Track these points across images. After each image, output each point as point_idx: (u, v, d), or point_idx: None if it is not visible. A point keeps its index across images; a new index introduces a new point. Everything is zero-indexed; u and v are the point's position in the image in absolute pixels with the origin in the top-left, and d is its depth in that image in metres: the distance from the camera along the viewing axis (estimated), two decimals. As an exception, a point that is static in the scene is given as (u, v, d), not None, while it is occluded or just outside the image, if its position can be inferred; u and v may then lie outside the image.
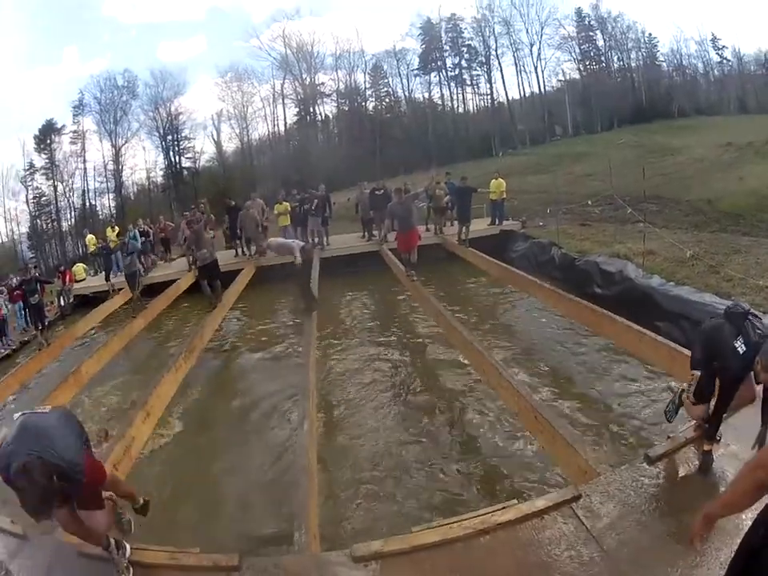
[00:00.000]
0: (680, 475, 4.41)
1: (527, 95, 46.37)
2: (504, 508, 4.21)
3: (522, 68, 45.76)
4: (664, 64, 45.69)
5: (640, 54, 45.47)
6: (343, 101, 46.48)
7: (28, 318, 14.47)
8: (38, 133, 38.34)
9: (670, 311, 9.89)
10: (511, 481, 6.54)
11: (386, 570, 3.71)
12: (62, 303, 16.50)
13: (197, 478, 7.34)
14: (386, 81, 46.86)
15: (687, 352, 6.33)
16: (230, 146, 44.86)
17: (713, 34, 43.18)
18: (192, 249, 14.70)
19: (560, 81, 46.24)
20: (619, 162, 21.86)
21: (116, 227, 19.17)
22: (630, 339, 7.72)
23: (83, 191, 39.64)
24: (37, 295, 13.09)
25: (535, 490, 6.05)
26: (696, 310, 9.30)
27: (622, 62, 45.68)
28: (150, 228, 18.61)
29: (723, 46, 43.67)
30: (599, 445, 6.86)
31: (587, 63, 45.84)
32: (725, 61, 44.15)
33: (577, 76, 45.89)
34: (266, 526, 6.16)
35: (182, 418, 9.02)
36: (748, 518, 3.65)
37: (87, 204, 39.78)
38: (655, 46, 45.28)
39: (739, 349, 4.05)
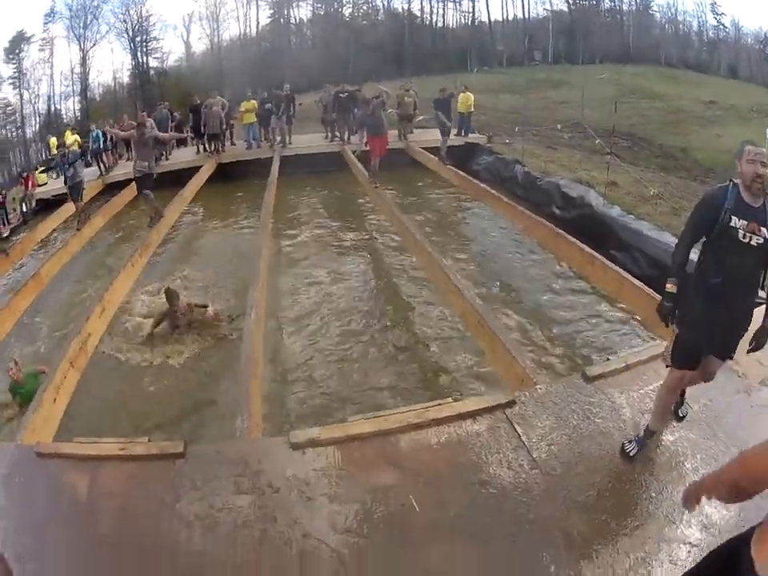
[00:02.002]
0: (614, 398, 4.41)
1: (510, 18, 45.12)
2: (439, 405, 4.26)
3: (509, -9, 44.41)
4: (657, 14, 44.71)
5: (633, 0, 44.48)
6: (319, 5, 44.74)
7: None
8: (7, 45, 36.33)
9: (627, 243, 9.88)
10: (450, 380, 6.67)
11: (321, 456, 3.79)
12: (24, 209, 15.83)
13: (151, 370, 7.34)
14: (366, -12, 45.16)
15: (636, 281, 6.41)
16: (199, 46, 42.78)
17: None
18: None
19: (546, 10, 45.08)
20: (597, 96, 21.58)
21: (74, 130, 18.56)
22: (582, 261, 7.83)
23: (48, 96, 37.96)
24: None
25: (473, 392, 6.15)
26: (653, 246, 9.30)
27: (613, 3, 44.56)
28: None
29: (722, 13, 42.71)
30: (538, 357, 6.97)
31: (577, -1, 44.70)
32: (721, 26, 43.30)
33: (565, 8, 44.81)
34: (213, 413, 6.28)
35: (136, 311, 8.87)
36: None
37: (52, 109, 38.16)
38: (651, -6, 44.23)
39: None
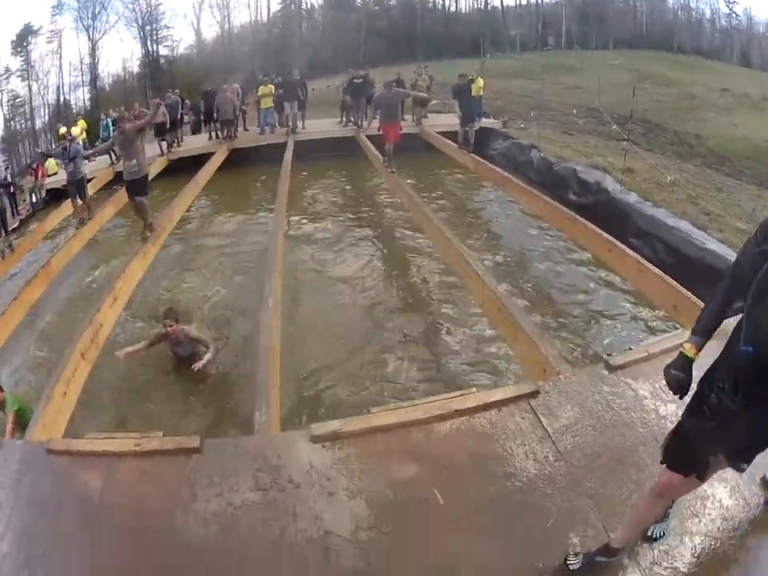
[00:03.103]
0: (636, 388, 4.32)
1: (523, 3, 44.85)
2: (462, 396, 4.18)
3: (521, -25, 44.05)
4: (670, 1, 44.43)
5: (646, -14, 44.01)
6: (330, -10, 44.52)
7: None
8: (14, 38, 36.16)
9: (644, 230, 9.82)
10: (472, 370, 6.61)
11: (342, 449, 3.71)
12: (35, 200, 15.73)
13: (163, 361, 7.20)
14: (377, -28, 44.82)
15: (655, 269, 6.30)
16: (209, 33, 42.71)
17: (725, -14, 41.77)
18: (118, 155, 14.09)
19: (560, -5, 44.69)
20: (611, 81, 21.46)
21: (79, 122, 18.66)
22: (601, 248, 7.69)
23: (58, 87, 37.88)
24: None
25: (495, 383, 6.14)
26: (671, 235, 9.27)
27: (626, -11, 44.15)
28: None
29: (734, 1, 42.41)
30: (558, 344, 6.85)
31: (590, -17, 44.23)
32: (734, 14, 42.95)
33: (579, -7, 44.36)
34: (228, 407, 6.22)
35: (148, 302, 8.84)
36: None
37: (62, 99, 38.08)
38: (663, -19, 43.80)
39: None
